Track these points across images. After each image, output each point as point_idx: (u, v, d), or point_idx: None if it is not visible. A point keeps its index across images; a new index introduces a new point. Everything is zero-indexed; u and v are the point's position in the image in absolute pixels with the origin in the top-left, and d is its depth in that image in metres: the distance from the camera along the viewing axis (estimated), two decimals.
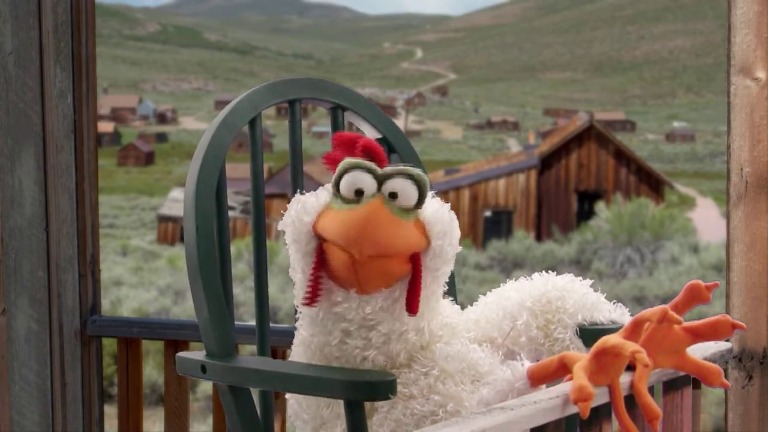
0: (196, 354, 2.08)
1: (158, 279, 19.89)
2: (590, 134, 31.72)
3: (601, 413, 1.67)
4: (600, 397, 1.64)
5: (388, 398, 1.83)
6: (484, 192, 30.62)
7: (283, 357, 2.75)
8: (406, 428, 1.92)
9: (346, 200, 1.94)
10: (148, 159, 76.61)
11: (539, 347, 2.03)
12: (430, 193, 2.00)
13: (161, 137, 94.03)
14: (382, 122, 2.34)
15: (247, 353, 2.45)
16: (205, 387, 11.65)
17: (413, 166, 2.02)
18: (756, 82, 2.44)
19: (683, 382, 1.86)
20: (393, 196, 1.93)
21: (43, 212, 2.90)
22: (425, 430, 1.49)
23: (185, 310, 16.57)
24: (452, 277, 2.31)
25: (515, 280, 2.13)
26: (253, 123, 2.19)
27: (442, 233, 1.95)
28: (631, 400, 1.68)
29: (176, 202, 34.10)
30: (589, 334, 2.00)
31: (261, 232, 2.19)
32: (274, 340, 2.39)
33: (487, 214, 30.55)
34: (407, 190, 1.94)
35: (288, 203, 2.05)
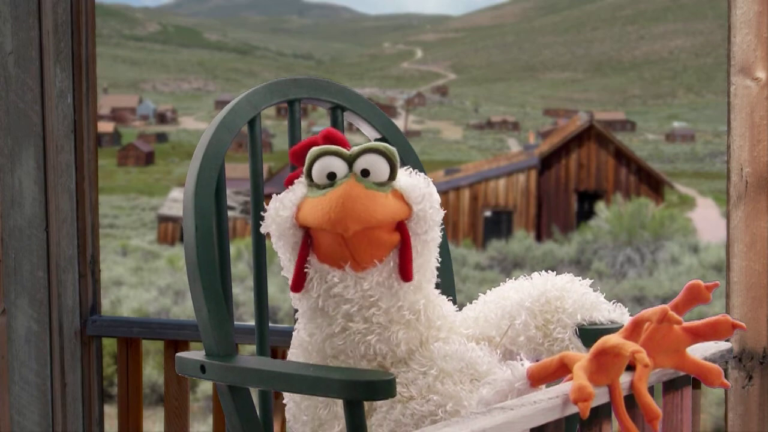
0: (195, 354, 2.08)
1: (158, 279, 19.89)
2: (590, 134, 31.71)
3: (601, 413, 1.67)
4: (600, 397, 1.64)
5: (387, 398, 1.83)
6: (484, 192, 30.61)
7: (283, 357, 2.75)
8: (405, 428, 1.92)
9: (320, 187, 1.98)
10: (148, 159, 76.61)
11: (538, 347, 2.04)
12: (405, 168, 2.06)
13: (161, 137, 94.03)
14: (382, 122, 2.34)
15: (247, 353, 2.44)
16: (205, 387, 11.65)
17: (382, 142, 2.07)
18: (756, 82, 2.44)
19: (683, 382, 1.85)
20: (365, 173, 1.98)
21: (43, 212, 2.90)
22: (425, 430, 1.49)
23: (185, 310, 16.56)
24: (451, 277, 2.31)
25: (515, 279, 2.14)
26: (252, 123, 2.19)
27: (420, 197, 2.00)
28: (631, 400, 1.68)
29: (176, 202, 34.10)
30: (588, 334, 2.00)
31: (261, 232, 2.18)
32: (274, 340, 2.40)
33: (487, 214, 30.55)
34: (378, 165, 1.98)
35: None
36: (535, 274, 2.10)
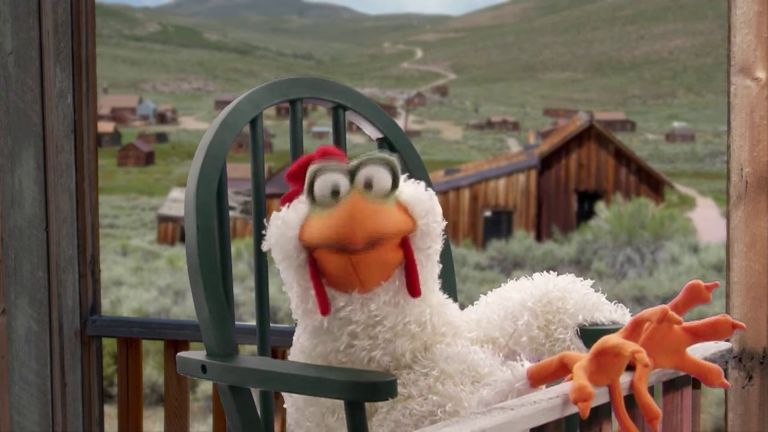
0: (196, 354, 2.08)
1: (158, 279, 19.89)
2: (590, 134, 31.71)
3: (601, 413, 1.67)
4: (600, 397, 1.64)
5: (388, 399, 1.83)
6: (484, 192, 30.61)
7: (283, 357, 2.75)
8: (405, 428, 1.92)
9: (323, 204, 1.95)
10: (148, 159, 76.61)
11: (540, 347, 2.03)
12: (406, 175, 2.04)
13: (161, 137, 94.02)
14: (383, 122, 2.33)
15: (247, 353, 2.44)
16: (205, 387, 11.64)
17: (382, 152, 2.05)
18: (756, 82, 2.44)
19: (683, 382, 1.85)
20: (368, 185, 1.96)
21: (43, 212, 2.90)
22: (425, 430, 1.49)
23: (185, 310, 16.56)
24: (453, 277, 2.31)
25: (516, 280, 2.13)
26: (254, 123, 2.18)
27: (424, 211, 1.98)
28: (631, 400, 1.68)
29: (176, 202, 34.09)
30: (589, 334, 2.00)
31: (262, 232, 2.18)
32: (274, 340, 2.39)
33: (487, 214, 30.54)
34: (380, 176, 1.96)
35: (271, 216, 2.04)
36: (537, 275, 2.10)
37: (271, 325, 2.23)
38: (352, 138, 2.17)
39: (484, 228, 30.09)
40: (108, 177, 62.63)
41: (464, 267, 21.91)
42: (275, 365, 1.99)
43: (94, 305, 3.00)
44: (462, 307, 2.17)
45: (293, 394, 2.06)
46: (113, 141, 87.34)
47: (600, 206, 26.93)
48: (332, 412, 2.02)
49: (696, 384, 1.92)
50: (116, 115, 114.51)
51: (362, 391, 1.82)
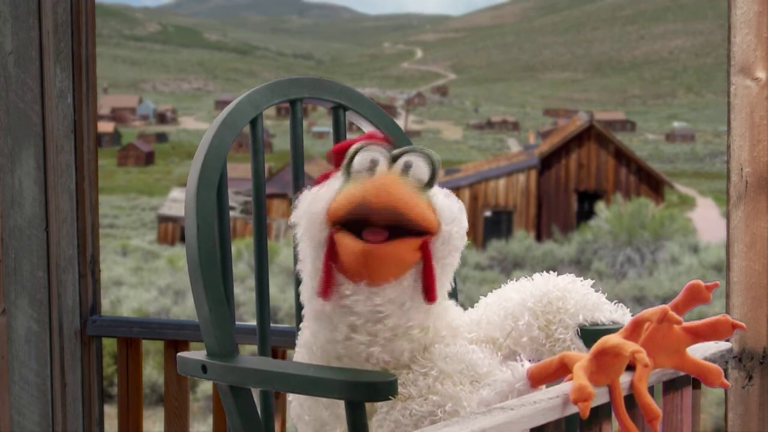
0: (196, 354, 2.07)
1: (158, 279, 19.89)
2: (590, 134, 31.71)
3: (601, 413, 1.67)
4: (600, 397, 1.64)
5: (388, 399, 1.83)
6: (484, 192, 30.62)
7: (283, 357, 2.75)
8: (404, 429, 1.92)
9: (358, 177, 1.93)
10: (148, 159, 76.62)
11: (540, 347, 2.03)
12: (443, 188, 2.02)
13: (161, 137, 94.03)
14: (384, 122, 2.33)
15: (247, 353, 2.45)
16: (205, 387, 11.64)
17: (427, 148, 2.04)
18: (756, 82, 2.44)
19: (683, 382, 1.85)
20: (406, 169, 1.94)
21: (43, 212, 2.90)
22: (425, 430, 1.49)
23: (185, 310, 16.56)
24: (455, 279, 2.31)
25: (516, 280, 2.13)
26: (254, 122, 2.18)
27: (451, 219, 1.97)
28: (631, 400, 1.68)
29: (176, 202, 34.10)
30: (590, 334, 2.00)
31: (262, 231, 2.18)
32: (274, 340, 2.39)
33: (487, 214, 30.55)
34: (420, 165, 1.96)
35: (288, 202, 2.04)
36: (537, 275, 2.09)
37: (271, 325, 2.23)
38: (348, 137, 2.17)
39: (484, 228, 30.10)
40: (108, 177, 62.64)
41: (464, 267, 21.90)
42: (275, 365, 1.99)
43: (94, 305, 3.00)
44: (462, 307, 2.17)
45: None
46: (113, 141, 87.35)
47: (600, 206, 26.93)
48: (326, 407, 2.02)
49: (696, 384, 1.92)
50: (116, 115, 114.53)
51: (362, 391, 1.82)
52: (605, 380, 1.65)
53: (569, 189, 31.46)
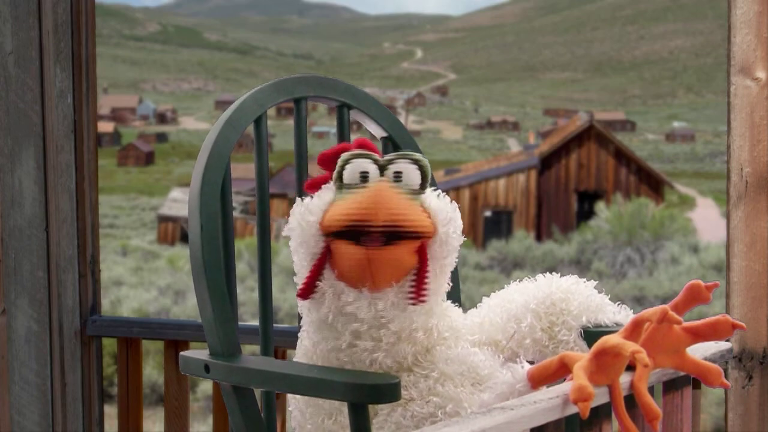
0: (199, 353, 2.07)
1: (158, 279, 19.89)
2: (590, 134, 31.71)
3: (601, 413, 1.67)
4: (600, 397, 1.64)
5: (391, 401, 1.82)
6: (484, 192, 30.62)
7: (284, 357, 2.75)
8: (405, 430, 1.92)
9: (350, 188, 1.94)
10: (148, 159, 76.62)
11: (543, 349, 2.02)
12: (434, 189, 2.03)
13: (161, 137, 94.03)
14: (388, 120, 2.33)
15: (248, 353, 2.45)
16: (205, 387, 11.64)
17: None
18: (756, 82, 2.44)
19: (683, 382, 1.85)
20: (397, 177, 1.96)
21: (43, 212, 2.90)
22: (425, 430, 1.49)
23: (185, 310, 16.56)
24: (456, 281, 2.31)
25: (519, 281, 2.12)
26: (258, 121, 2.18)
27: (447, 220, 1.97)
28: (631, 400, 1.68)
29: (176, 202, 34.10)
30: (593, 336, 1.98)
31: (266, 231, 2.18)
32: (275, 340, 2.39)
33: (487, 214, 30.55)
34: (411, 171, 1.97)
35: (289, 203, 2.04)
36: (540, 276, 2.09)
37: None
38: (351, 137, 2.17)
39: (484, 228, 30.10)
40: (108, 177, 62.63)
41: (464, 267, 21.90)
42: (279, 366, 1.98)
43: (94, 305, 3.00)
44: (463, 308, 2.17)
45: (297, 396, 2.06)
46: (113, 141, 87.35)
47: (600, 206, 26.94)
48: (329, 415, 2.01)
49: (696, 384, 1.92)
50: (116, 115, 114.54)
51: (365, 393, 1.81)
52: (605, 380, 1.65)
53: (569, 189, 31.46)
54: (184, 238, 31.61)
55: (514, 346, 2.05)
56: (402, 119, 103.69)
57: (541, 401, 1.58)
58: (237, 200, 31.47)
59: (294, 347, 2.16)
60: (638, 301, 18.50)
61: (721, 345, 1.93)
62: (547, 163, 31.38)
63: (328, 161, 2.03)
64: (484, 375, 1.94)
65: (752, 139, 2.44)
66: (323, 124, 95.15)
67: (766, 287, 2.43)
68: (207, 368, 2.02)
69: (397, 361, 1.98)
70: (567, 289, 2.04)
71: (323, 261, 1.94)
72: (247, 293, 16.35)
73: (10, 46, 2.88)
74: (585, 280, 2.08)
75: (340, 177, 1.96)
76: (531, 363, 1.79)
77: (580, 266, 23.31)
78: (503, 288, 2.16)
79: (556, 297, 2.04)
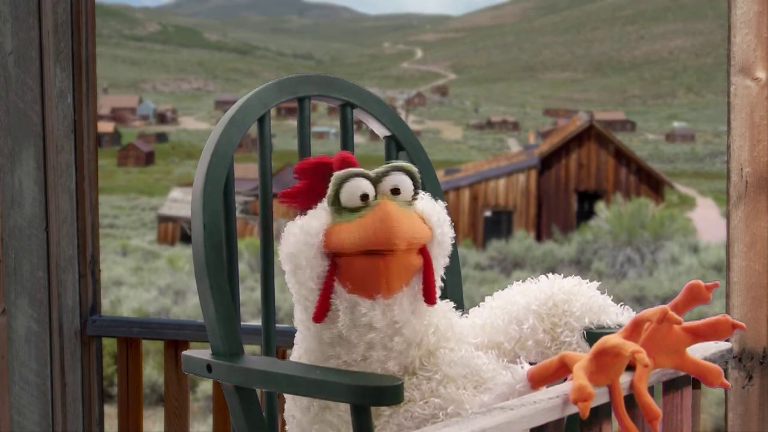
0: (202, 353, 2.07)
1: (158, 279, 19.89)
2: (590, 134, 31.72)
3: (601, 413, 1.67)
4: (600, 397, 1.64)
5: (395, 403, 1.81)
6: (484, 192, 30.62)
7: (284, 357, 2.75)
8: (407, 431, 1.92)
9: (352, 210, 1.95)
10: (148, 159, 76.60)
11: (546, 350, 2.02)
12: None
13: (161, 137, 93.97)
14: (391, 119, 2.33)
15: (248, 353, 2.45)
16: (205, 387, 11.64)
17: (402, 161, 2.05)
18: (756, 82, 2.44)
19: (683, 382, 1.85)
20: (395, 192, 1.97)
21: (43, 212, 2.90)
22: (425, 430, 1.49)
23: (185, 310, 16.56)
24: (458, 282, 2.32)
25: (522, 282, 2.12)
26: (261, 120, 2.18)
27: (440, 221, 2.01)
28: (631, 400, 1.68)
29: (176, 202, 34.09)
30: (596, 337, 1.98)
31: (268, 231, 2.18)
32: (277, 341, 2.39)
33: (487, 214, 30.55)
34: (406, 184, 1.98)
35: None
36: (542, 277, 2.08)
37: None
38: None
39: (484, 228, 30.10)
40: (108, 177, 62.61)
41: (464, 267, 21.90)
42: (281, 367, 1.98)
43: (94, 305, 3.00)
44: (466, 310, 2.17)
45: (296, 416, 2.05)
46: (113, 141, 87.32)
47: (600, 206, 26.94)
48: (331, 427, 2.00)
49: (696, 384, 1.92)
50: (116, 115, 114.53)
51: (368, 395, 1.80)
52: (605, 380, 1.65)
53: (569, 189, 31.46)
54: (184, 238, 31.62)
55: (516, 348, 2.05)
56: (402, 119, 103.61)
57: (541, 401, 1.58)
58: (237, 200, 31.39)
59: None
60: (638, 301, 18.49)
61: (721, 345, 1.93)
62: (547, 163, 31.39)
63: (307, 172, 2.02)
64: (487, 378, 1.94)
65: (752, 139, 2.44)
66: (323, 124, 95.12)
67: (766, 287, 2.43)
68: (209, 368, 2.02)
69: (404, 365, 1.98)
70: (569, 291, 2.04)
71: (332, 278, 1.94)
72: (247, 293, 16.35)
73: (10, 46, 2.88)
74: (587, 281, 2.08)
75: (336, 198, 1.96)
76: (533, 364, 1.79)
77: (580, 266, 23.32)
78: (503, 288, 2.16)
79: (559, 298, 2.03)
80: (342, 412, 1.99)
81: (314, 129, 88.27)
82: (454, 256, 2.23)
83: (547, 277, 2.08)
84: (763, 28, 2.43)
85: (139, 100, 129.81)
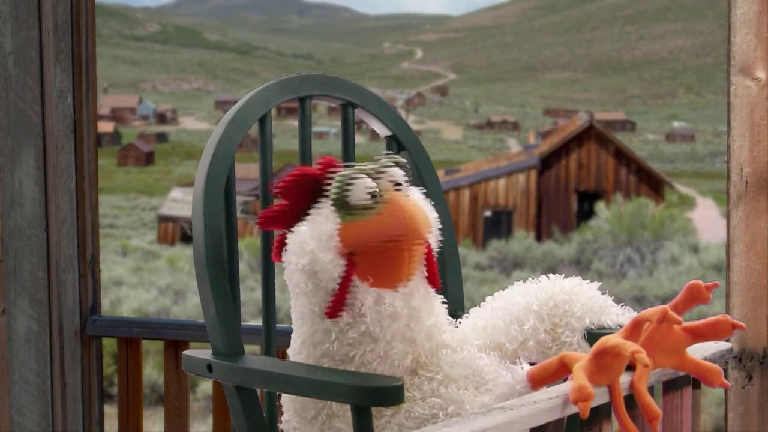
0: (202, 353, 2.07)
1: (158, 279, 19.89)
2: (590, 134, 31.71)
3: (601, 413, 1.67)
4: (600, 397, 1.64)
5: (396, 404, 1.81)
6: (484, 192, 30.61)
7: (283, 357, 2.75)
8: (407, 431, 1.92)
9: (364, 208, 1.95)
10: (148, 159, 76.59)
11: (547, 351, 2.02)
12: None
13: (161, 137, 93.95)
14: (392, 119, 2.33)
15: (248, 353, 2.45)
16: (205, 387, 11.64)
17: (392, 154, 2.08)
18: (756, 82, 2.44)
19: (683, 382, 1.85)
20: (397, 186, 2.00)
21: (43, 212, 2.90)
22: (425, 429, 1.49)
23: (185, 310, 16.56)
24: (459, 282, 2.32)
25: (523, 281, 2.12)
26: (263, 120, 2.18)
27: (430, 207, 2.05)
28: (631, 400, 1.68)
29: (176, 202, 34.09)
30: (596, 338, 1.98)
31: (269, 230, 2.17)
32: (277, 340, 2.39)
33: (487, 214, 30.54)
34: (402, 177, 2.02)
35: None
36: (543, 277, 2.08)
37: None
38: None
39: (484, 228, 30.09)
40: (108, 177, 62.61)
41: (464, 267, 21.90)
42: (282, 367, 1.97)
43: (94, 305, 3.00)
44: (466, 310, 2.18)
45: (298, 427, 2.05)
46: (113, 141, 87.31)
47: (600, 206, 26.94)
48: None
49: (696, 384, 1.92)
50: (116, 115, 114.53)
51: (370, 396, 1.80)
52: (605, 380, 1.65)
53: (569, 189, 31.46)
54: (184, 238, 31.61)
55: (518, 349, 2.05)
56: None
57: (541, 401, 1.58)
58: (237, 200, 31.43)
59: None
60: (638, 301, 18.48)
61: (721, 345, 1.93)
62: (547, 163, 31.38)
63: (289, 190, 2.00)
64: (489, 379, 1.93)
65: (752, 139, 2.44)
66: (323, 124, 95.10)
67: (766, 287, 2.43)
68: (210, 368, 2.02)
69: (416, 358, 2.00)
70: (570, 291, 2.04)
71: (350, 275, 1.94)
72: (246, 293, 16.34)
73: (10, 46, 2.88)
74: (588, 281, 2.08)
75: (344, 199, 1.96)
76: (533, 364, 1.79)
77: (580, 266, 23.31)
78: (503, 288, 2.16)
79: (559, 299, 2.03)
80: (350, 418, 1.99)
81: (314, 129, 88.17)
82: (454, 255, 2.24)
83: (548, 277, 2.08)
84: (763, 28, 2.43)
85: (139, 100, 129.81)
